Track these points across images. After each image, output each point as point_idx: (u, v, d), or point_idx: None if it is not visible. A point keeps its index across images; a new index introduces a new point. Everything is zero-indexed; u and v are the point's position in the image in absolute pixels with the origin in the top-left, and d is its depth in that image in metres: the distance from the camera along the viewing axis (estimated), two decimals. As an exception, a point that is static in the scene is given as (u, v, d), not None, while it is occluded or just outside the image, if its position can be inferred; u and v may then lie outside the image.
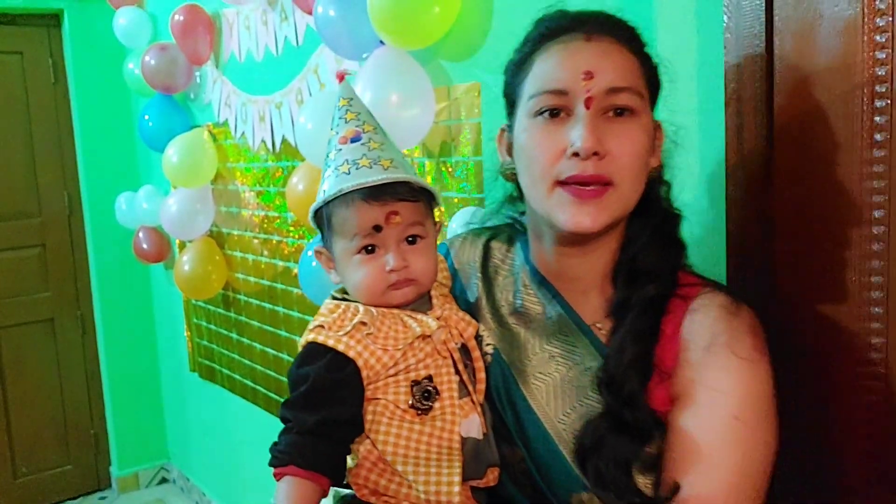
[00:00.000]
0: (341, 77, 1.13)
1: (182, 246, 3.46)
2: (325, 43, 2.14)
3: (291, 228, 2.73)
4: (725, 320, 0.96)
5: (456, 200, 1.94)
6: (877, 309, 1.05)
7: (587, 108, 0.94)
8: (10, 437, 3.92)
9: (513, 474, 1.03)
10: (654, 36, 1.30)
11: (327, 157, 1.07)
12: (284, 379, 2.77)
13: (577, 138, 0.93)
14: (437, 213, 1.14)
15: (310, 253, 2.25)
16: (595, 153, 0.93)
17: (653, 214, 1.03)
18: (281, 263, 2.82)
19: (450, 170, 1.94)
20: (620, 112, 0.96)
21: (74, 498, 4.10)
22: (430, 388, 1.00)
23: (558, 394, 1.01)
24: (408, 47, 1.88)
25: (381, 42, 1.91)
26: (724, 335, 0.95)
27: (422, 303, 1.07)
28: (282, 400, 1.01)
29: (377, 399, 1.00)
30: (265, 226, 2.89)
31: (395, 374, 1.00)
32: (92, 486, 4.17)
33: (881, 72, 1.03)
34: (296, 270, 2.66)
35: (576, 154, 0.93)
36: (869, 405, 1.07)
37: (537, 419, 1.01)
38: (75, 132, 3.90)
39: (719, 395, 0.93)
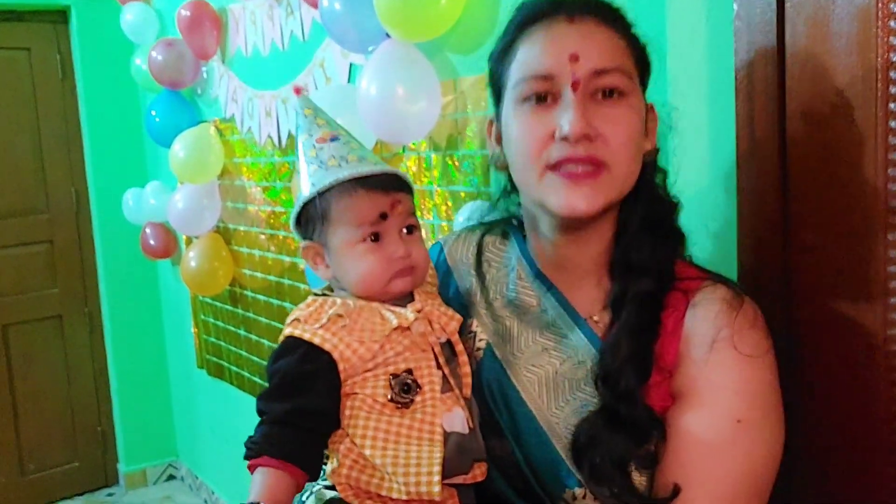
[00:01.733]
0: (298, 91, 1.18)
1: (189, 242, 3.46)
2: (331, 37, 2.12)
3: (298, 224, 2.70)
4: (728, 315, 0.93)
5: (462, 195, 1.92)
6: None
7: (574, 91, 0.92)
8: (18, 434, 3.92)
9: (503, 469, 1.01)
10: (665, 23, 1.28)
11: (305, 155, 1.09)
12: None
13: (566, 122, 0.91)
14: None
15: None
16: (585, 136, 0.91)
17: (646, 201, 1.01)
18: (288, 259, 2.81)
19: (456, 163, 1.92)
20: (609, 93, 0.93)
21: (81, 494, 4.11)
22: (409, 382, 0.99)
23: (551, 387, 1.00)
24: (414, 40, 1.87)
25: (388, 35, 1.89)
26: (726, 330, 0.92)
27: (403, 297, 1.07)
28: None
29: (355, 394, 0.99)
30: (272, 221, 2.88)
31: (374, 368, 0.99)
32: (99, 483, 4.18)
33: (896, 58, 1.00)
34: (303, 266, 2.65)
35: (565, 138, 0.91)
36: (890, 401, 1.05)
37: (529, 412, 0.99)
38: (83, 128, 3.91)
39: (722, 394, 0.91)
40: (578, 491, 0.94)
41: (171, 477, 4.25)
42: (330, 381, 0.98)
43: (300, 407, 0.96)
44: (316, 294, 1.08)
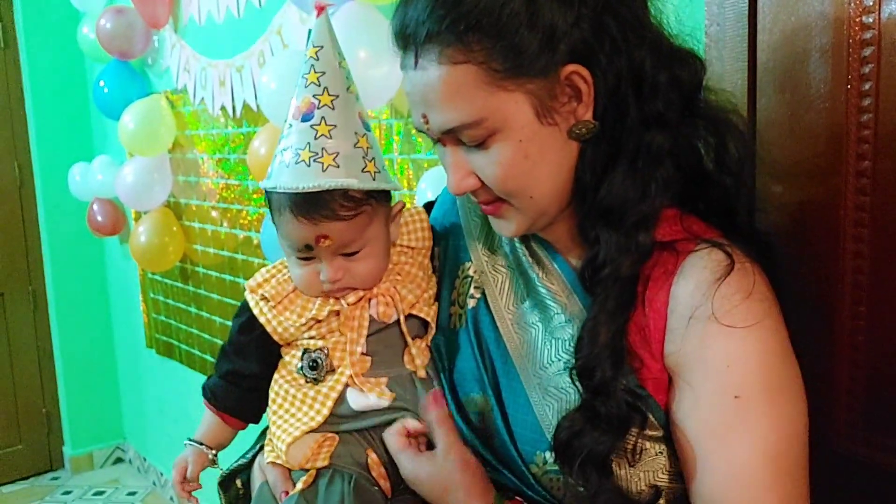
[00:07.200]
0: (321, 9, 0.99)
1: (138, 217, 3.37)
2: None
3: (253, 196, 2.65)
4: (711, 284, 0.83)
5: (426, 164, 1.89)
6: (862, 246, 1.03)
7: (444, 146, 0.90)
8: (-41, 416, 3.79)
9: (481, 426, 0.98)
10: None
11: (285, 121, 1.00)
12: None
13: (447, 178, 0.91)
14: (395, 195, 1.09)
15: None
16: (467, 190, 0.90)
17: (605, 164, 0.88)
18: (241, 234, 2.75)
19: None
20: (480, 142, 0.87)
21: (26, 478, 3.98)
22: (319, 360, 1.01)
23: (538, 346, 0.95)
24: (377, 2, 1.83)
25: (349, -3, 1.85)
26: (707, 302, 0.83)
27: None
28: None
29: (284, 357, 1.06)
30: (225, 195, 2.82)
31: (299, 341, 1.04)
32: (44, 467, 4.06)
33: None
34: (257, 240, 2.60)
35: None
36: (854, 346, 1.06)
37: (514, 369, 0.95)
38: (26, 100, 3.77)
39: (711, 372, 0.83)
40: (549, 455, 0.90)
41: (119, 460, 4.15)
42: (263, 349, 1.06)
43: (237, 370, 1.09)
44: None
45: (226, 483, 1.14)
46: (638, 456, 0.86)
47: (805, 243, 1.09)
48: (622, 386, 0.85)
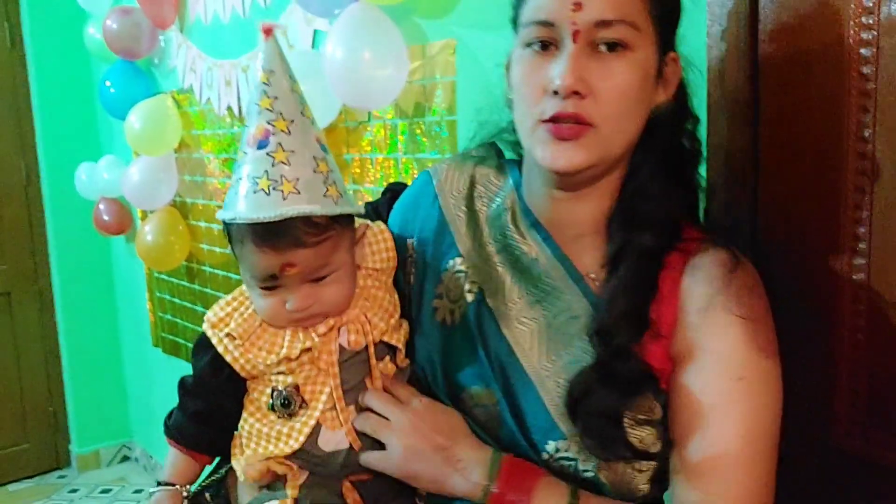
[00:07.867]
0: (268, 31, 0.97)
1: (144, 216, 3.38)
2: (296, 1, 2.08)
3: (258, 196, 2.66)
4: (723, 279, 0.91)
5: (429, 164, 1.90)
6: (862, 245, 1.04)
7: (574, 41, 0.88)
8: (-35, 415, 3.80)
9: (487, 420, 1.00)
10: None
11: (239, 149, 0.96)
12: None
13: (558, 75, 0.88)
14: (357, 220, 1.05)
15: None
16: (575, 92, 0.88)
17: (656, 153, 0.97)
18: (247, 232, 2.76)
19: (423, 130, 1.90)
20: (612, 46, 0.89)
21: (32, 476, 4.00)
22: (290, 397, 1.00)
23: (543, 340, 0.97)
24: (381, 3, 1.84)
25: (354, -2, 1.86)
26: (720, 295, 0.91)
27: None
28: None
29: (251, 393, 1.04)
30: (231, 194, 2.83)
31: (267, 376, 1.02)
32: (51, 465, 4.07)
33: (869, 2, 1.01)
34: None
35: (556, 92, 0.88)
36: (854, 344, 1.06)
37: (518, 364, 0.98)
38: (33, 100, 3.77)
39: (722, 355, 0.91)
40: (562, 444, 0.94)
41: (126, 458, 4.17)
42: (232, 387, 1.03)
43: (205, 409, 1.05)
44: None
45: (194, 499, 1.13)
46: (649, 418, 0.93)
47: (805, 242, 1.10)
48: (638, 353, 0.91)
